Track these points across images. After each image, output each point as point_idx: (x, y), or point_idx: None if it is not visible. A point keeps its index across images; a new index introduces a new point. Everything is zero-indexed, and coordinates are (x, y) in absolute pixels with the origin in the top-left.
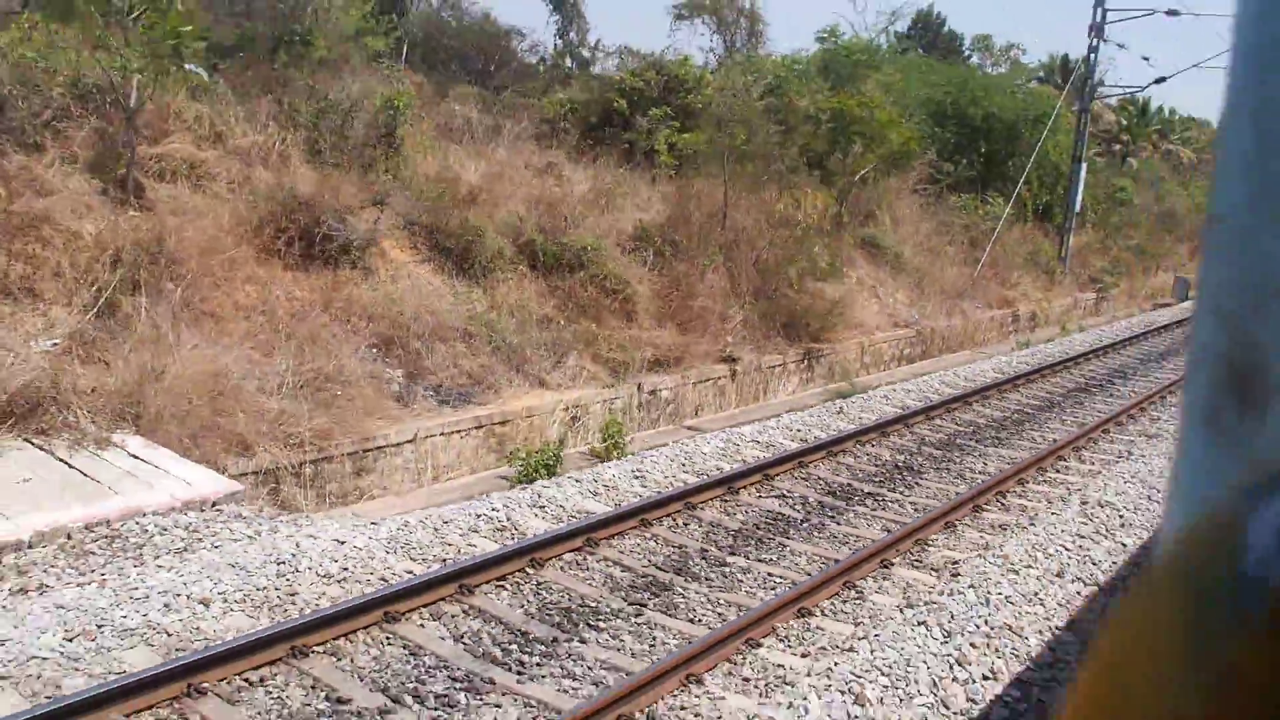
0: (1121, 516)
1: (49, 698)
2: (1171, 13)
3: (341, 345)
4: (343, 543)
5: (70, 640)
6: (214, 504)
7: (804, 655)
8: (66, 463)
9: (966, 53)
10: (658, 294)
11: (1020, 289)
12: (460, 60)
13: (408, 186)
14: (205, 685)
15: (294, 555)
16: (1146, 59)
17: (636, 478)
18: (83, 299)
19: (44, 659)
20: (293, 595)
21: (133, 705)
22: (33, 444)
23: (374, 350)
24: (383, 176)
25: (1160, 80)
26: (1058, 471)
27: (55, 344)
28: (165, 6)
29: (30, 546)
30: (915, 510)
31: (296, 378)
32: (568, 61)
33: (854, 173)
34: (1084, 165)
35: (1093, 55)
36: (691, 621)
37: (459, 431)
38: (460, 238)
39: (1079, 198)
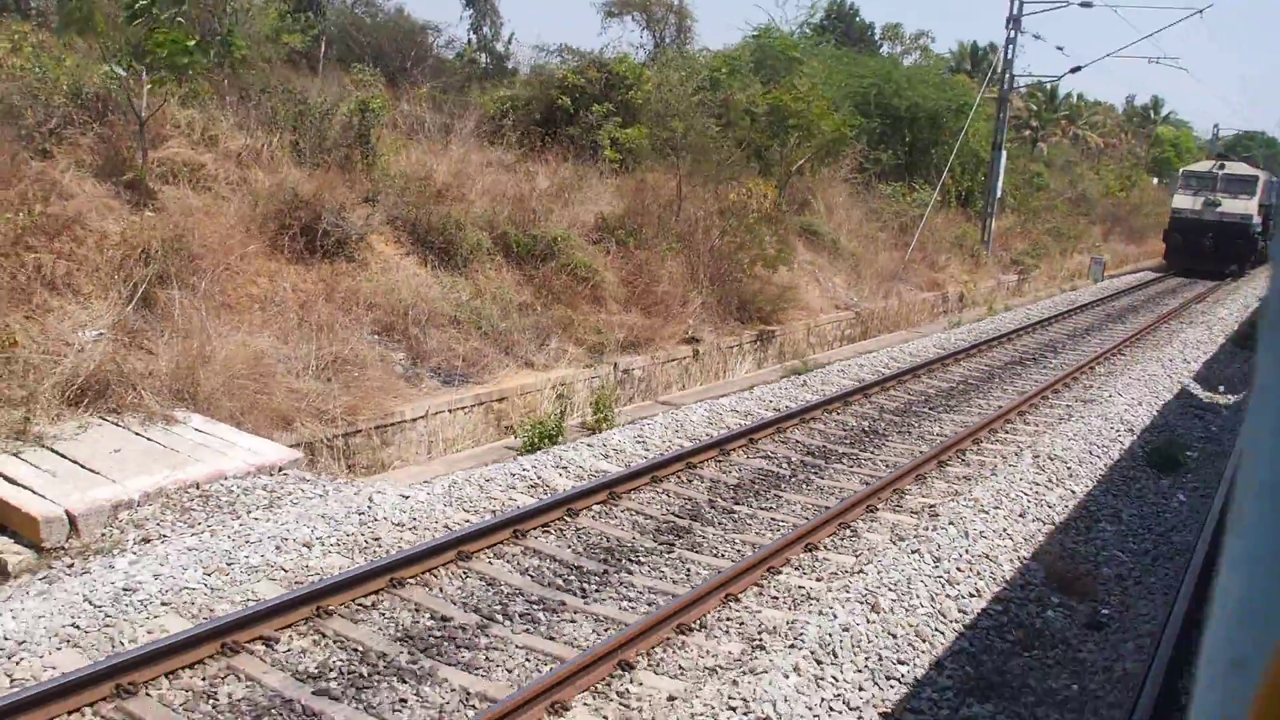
0: (1069, 468)
1: (206, 618)
2: (1085, 4)
3: (350, 332)
4: (406, 498)
5: (209, 576)
6: (280, 469)
7: (819, 579)
8: (144, 436)
9: (878, 42)
10: (623, 281)
11: (948, 272)
12: (377, 58)
13: (389, 185)
14: (330, 608)
15: (370, 508)
16: (1061, 49)
17: (639, 442)
18: (119, 293)
19: (193, 589)
20: (376, 539)
21: (275, 624)
22: (108, 421)
23: (377, 336)
24: (360, 176)
25: (1076, 69)
26: (1007, 432)
27: (101, 334)
28: (171, 22)
29: (139, 505)
30: (887, 466)
31: (319, 361)
32: (483, 58)
33: (791, 164)
34: (1004, 152)
35: (1010, 46)
36: (716, 556)
37: (462, 408)
38: (441, 231)
39: (1000, 183)
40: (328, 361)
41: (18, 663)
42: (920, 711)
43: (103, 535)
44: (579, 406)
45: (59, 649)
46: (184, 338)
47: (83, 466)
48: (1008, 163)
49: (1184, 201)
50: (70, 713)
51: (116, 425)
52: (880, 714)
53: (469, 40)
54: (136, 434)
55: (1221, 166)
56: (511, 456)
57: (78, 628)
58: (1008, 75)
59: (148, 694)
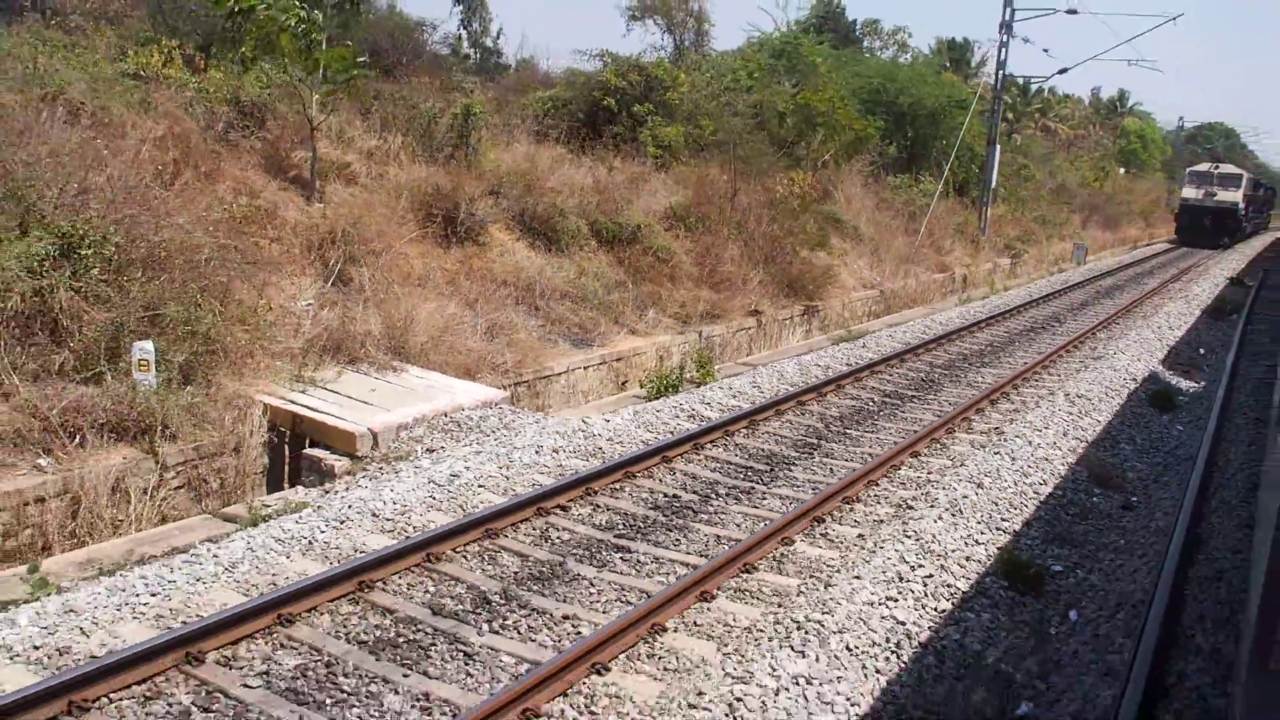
0: (1092, 404)
1: (511, 495)
2: (1071, 11)
3: (496, 303)
4: (608, 421)
5: (500, 469)
6: (495, 404)
7: (929, 473)
8: (384, 380)
9: (859, 38)
10: (694, 261)
11: (953, 255)
12: (374, 54)
13: (499, 179)
14: (594, 488)
15: (585, 428)
16: (1046, 50)
17: (754, 388)
18: (316, 270)
19: (493, 476)
20: (599, 449)
21: (560, 499)
22: (350, 370)
23: (512, 306)
24: (465, 170)
25: (1063, 71)
26: (1038, 380)
27: (310, 304)
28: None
29: (411, 427)
30: (950, 404)
31: (483, 325)
32: (474, 53)
33: (817, 158)
34: (997, 147)
35: (1003, 50)
36: (846, 461)
37: (591, 365)
38: (546, 220)
39: (994, 175)
40: (489, 326)
41: (410, 519)
42: (1023, 549)
43: (395, 447)
44: (681, 364)
45: (429, 511)
46: (379, 305)
47: (357, 400)
48: (1000, 156)
49: (1190, 193)
50: (455, 548)
51: (357, 373)
52: (998, 548)
53: (459, 35)
54: (376, 379)
55: (1216, 167)
56: (640, 402)
57: (434, 499)
58: (1001, 75)
59: (506, 538)
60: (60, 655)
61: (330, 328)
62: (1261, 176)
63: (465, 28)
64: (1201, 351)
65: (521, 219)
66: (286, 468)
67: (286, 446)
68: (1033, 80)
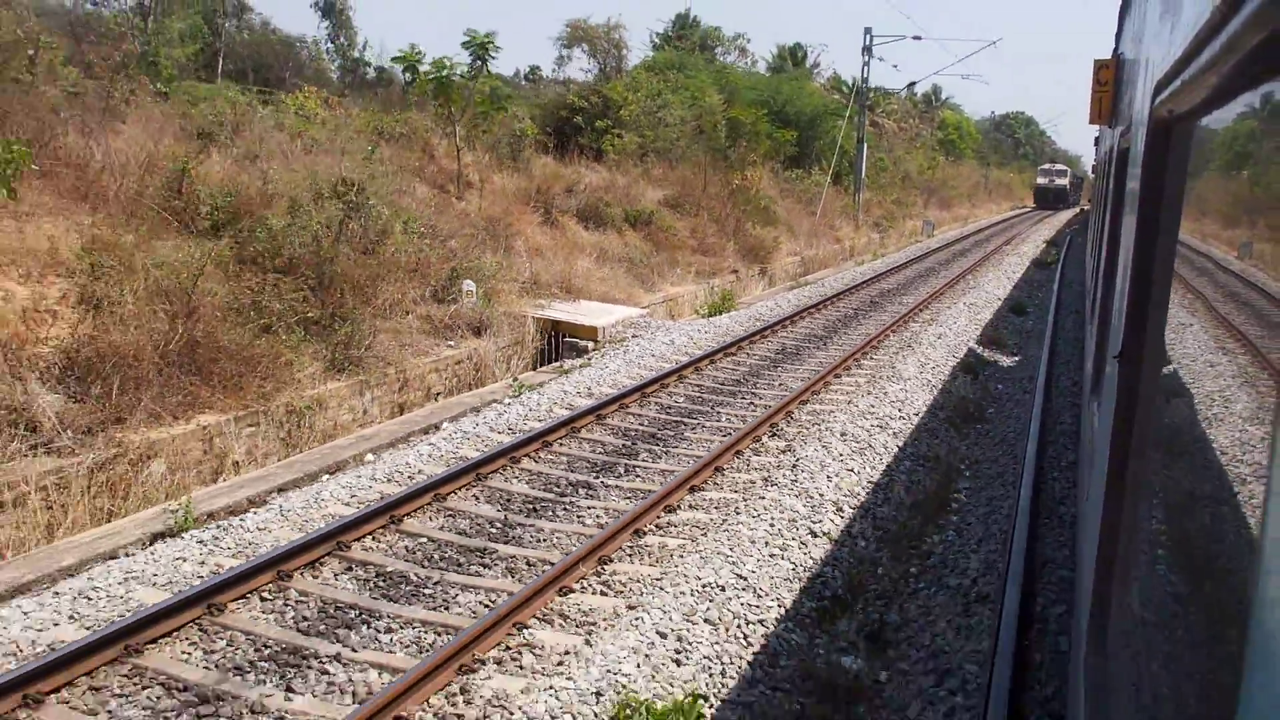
0: (977, 311)
1: (687, 354)
2: (917, 37)
3: (593, 263)
4: (712, 322)
5: (667, 348)
6: (643, 317)
7: (912, 333)
8: (575, 304)
9: (711, 45)
10: (691, 235)
11: (842, 231)
12: (257, 68)
13: (552, 181)
14: (726, 352)
15: (709, 326)
16: (896, 67)
17: (772, 311)
18: (486, 242)
19: (670, 350)
20: (726, 333)
21: (702, 362)
22: (551, 299)
23: (600, 265)
24: (523, 176)
25: (911, 85)
26: (941, 301)
27: (493, 264)
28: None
29: (612, 328)
30: (896, 314)
31: (600, 271)
32: (335, 67)
33: (744, 160)
34: (865, 145)
35: (865, 69)
36: (854, 340)
37: (657, 303)
38: (594, 209)
39: (864, 168)
40: (605, 271)
41: (636, 372)
42: (969, 360)
43: (613, 337)
44: (704, 301)
45: (640, 368)
46: (539, 261)
47: (576, 314)
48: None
49: (1041, 180)
50: (664, 385)
51: (556, 300)
52: (957, 359)
53: (326, 50)
54: (571, 304)
55: (1054, 165)
56: (704, 319)
57: (641, 361)
58: (864, 90)
59: (692, 378)
60: (554, 408)
61: (533, 275)
62: (1074, 170)
63: (332, 42)
64: (1036, 283)
65: (576, 209)
66: (551, 351)
67: (550, 339)
68: (888, 91)
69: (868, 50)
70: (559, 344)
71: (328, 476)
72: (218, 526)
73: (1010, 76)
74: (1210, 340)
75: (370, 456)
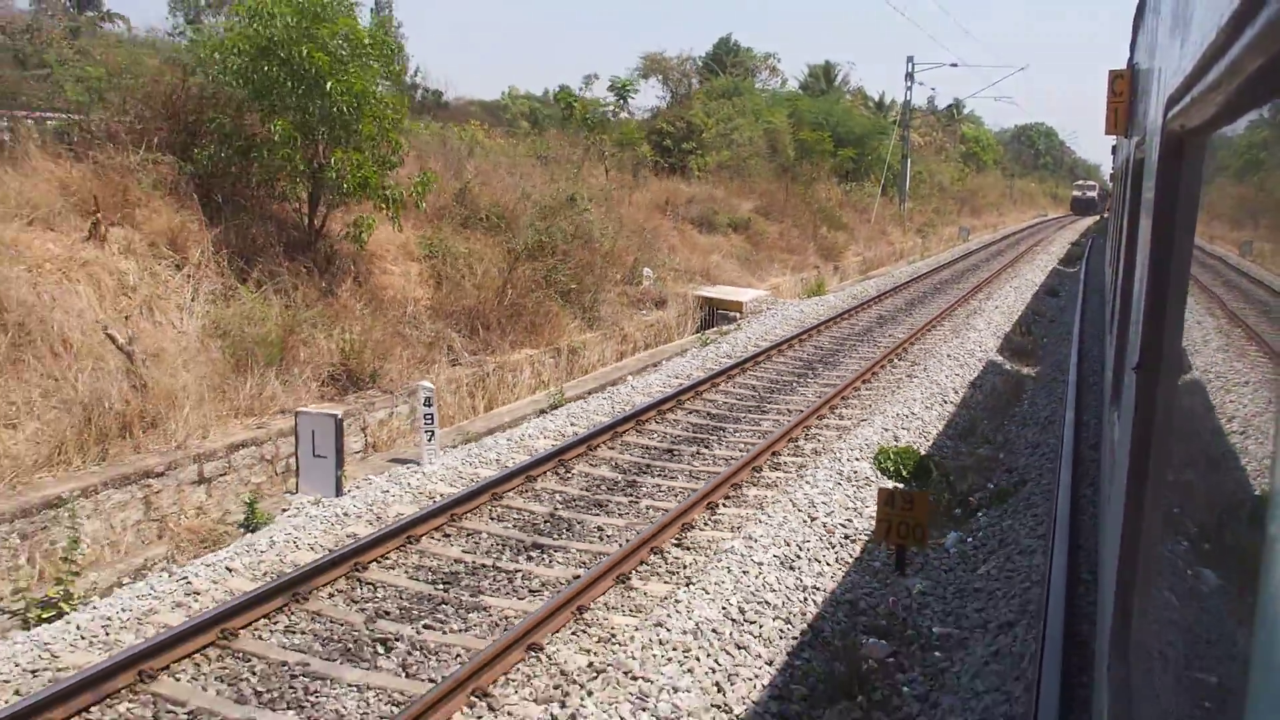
0: (1022, 293)
1: (814, 319)
2: (953, 64)
3: (718, 259)
4: (823, 299)
5: (796, 317)
6: (768, 296)
7: (974, 306)
8: (716, 286)
9: (753, 70)
10: (780, 238)
11: (891, 236)
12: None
13: (668, 193)
14: (839, 320)
15: (817, 303)
16: (934, 89)
17: (859, 294)
18: (641, 244)
19: (800, 318)
20: (834, 307)
21: (818, 328)
22: (698, 284)
23: (721, 257)
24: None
25: (949, 106)
26: (991, 287)
27: (662, 257)
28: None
29: (751, 303)
30: (961, 293)
31: (724, 264)
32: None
33: (810, 175)
34: (909, 161)
35: (908, 93)
36: (932, 310)
37: (765, 289)
38: (706, 216)
39: (908, 181)
40: (724, 269)
41: (768, 338)
42: (1020, 324)
43: (751, 308)
44: (808, 286)
45: (773, 333)
46: (677, 256)
47: (720, 292)
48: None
49: (1076, 192)
50: (791, 344)
51: (702, 284)
52: (1011, 324)
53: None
54: (712, 287)
55: (1086, 181)
56: (805, 299)
57: (774, 329)
58: (907, 112)
59: (809, 339)
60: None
61: (682, 266)
62: (1100, 183)
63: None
64: (1069, 271)
65: (692, 217)
66: (709, 320)
67: (707, 311)
68: (927, 113)
69: (910, 77)
70: (713, 315)
71: (611, 388)
72: (574, 406)
73: (1033, 93)
74: (1228, 350)
75: (630, 378)
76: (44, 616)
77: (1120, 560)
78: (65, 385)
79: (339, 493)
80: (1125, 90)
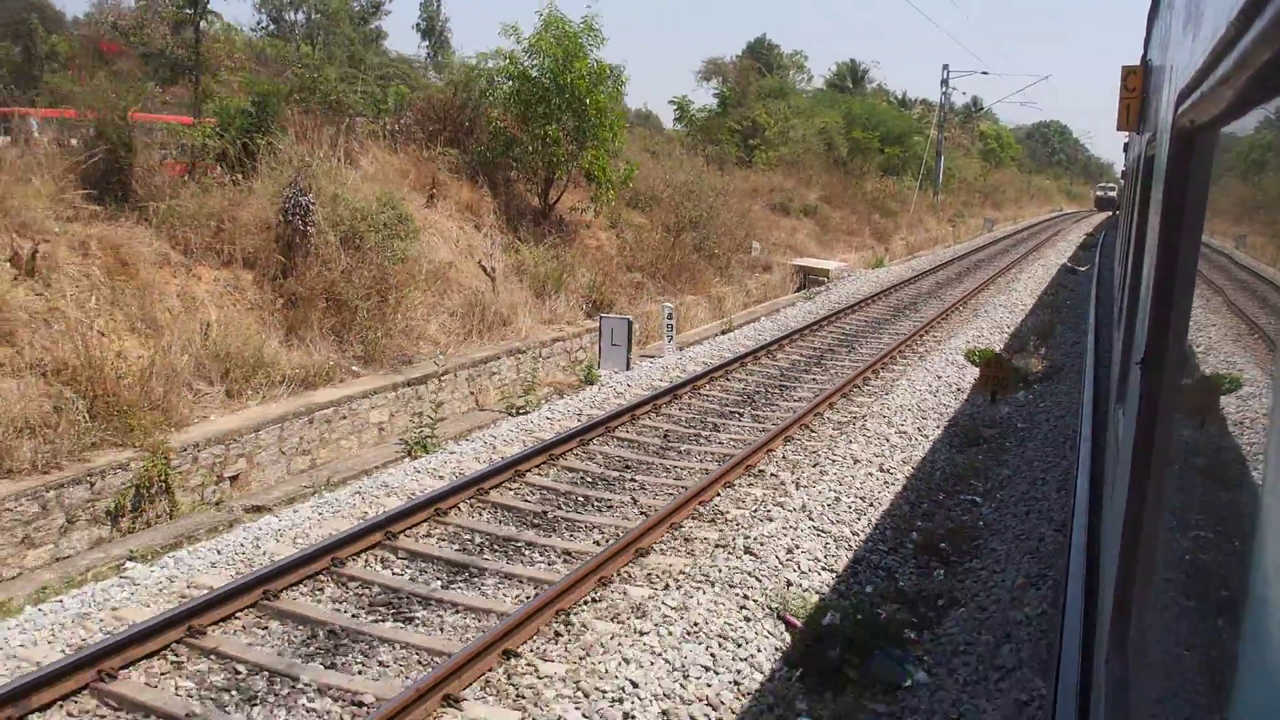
0: (1048, 270)
1: (889, 283)
2: (984, 72)
3: (803, 237)
4: (896, 268)
5: (874, 278)
6: (848, 265)
7: (1011, 278)
8: (801, 258)
9: (787, 67)
10: (842, 222)
11: (927, 224)
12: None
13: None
14: (906, 285)
15: (884, 273)
16: (964, 93)
17: (915, 267)
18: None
19: (868, 289)
20: (899, 277)
21: (895, 290)
22: (787, 256)
23: (804, 237)
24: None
25: (979, 110)
26: (1020, 267)
27: (765, 234)
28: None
29: (834, 272)
30: (995, 271)
31: (805, 242)
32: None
33: (861, 169)
34: (943, 157)
35: (943, 98)
36: (973, 282)
37: (836, 263)
38: (784, 203)
39: (941, 176)
40: (806, 245)
41: (854, 297)
42: (1049, 293)
43: (837, 274)
44: (869, 262)
45: (857, 292)
46: (768, 232)
47: (810, 262)
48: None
49: (1098, 192)
50: (869, 302)
51: (792, 256)
52: (1043, 290)
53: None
54: (800, 259)
55: (1107, 183)
56: (874, 270)
57: (857, 290)
58: (943, 114)
59: (887, 298)
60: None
61: (777, 241)
62: (1118, 184)
63: (432, 59)
64: (1083, 255)
65: (772, 203)
66: (802, 284)
67: (801, 276)
68: (963, 114)
69: (945, 83)
70: (806, 279)
71: (754, 323)
72: (738, 332)
73: (1051, 96)
74: (1234, 346)
75: (762, 318)
76: (522, 408)
77: (1121, 554)
78: (457, 297)
79: (628, 368)
80: (1138, 86)
